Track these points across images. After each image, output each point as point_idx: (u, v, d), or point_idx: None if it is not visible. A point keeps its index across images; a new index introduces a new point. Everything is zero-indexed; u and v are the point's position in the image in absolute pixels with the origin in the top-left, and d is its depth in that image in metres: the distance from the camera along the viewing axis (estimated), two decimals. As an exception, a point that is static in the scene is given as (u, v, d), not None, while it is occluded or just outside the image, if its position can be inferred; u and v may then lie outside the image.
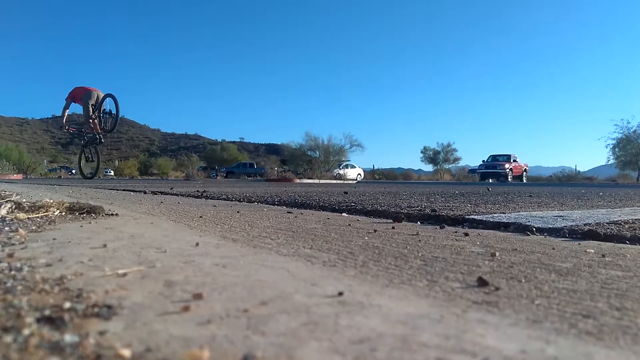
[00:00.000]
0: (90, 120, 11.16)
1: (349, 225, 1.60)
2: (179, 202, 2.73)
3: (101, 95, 11.35)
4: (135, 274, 0.76)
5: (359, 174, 28.27)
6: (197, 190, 4.37)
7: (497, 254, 1.01)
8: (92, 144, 11.63)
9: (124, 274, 0.75)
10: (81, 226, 1.41)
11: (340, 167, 27.83)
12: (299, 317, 0.55)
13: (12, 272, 0.75)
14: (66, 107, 11.61)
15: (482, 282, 0.73)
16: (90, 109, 11.08)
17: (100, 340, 0.46)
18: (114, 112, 11.03)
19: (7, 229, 1.29)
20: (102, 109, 11.13)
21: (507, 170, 22.94)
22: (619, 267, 0.89)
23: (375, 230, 1.43)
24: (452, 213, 1.92)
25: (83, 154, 12.09)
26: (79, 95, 11.44)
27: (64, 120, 11.80)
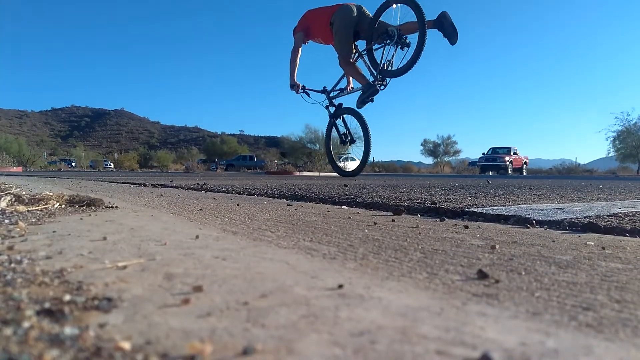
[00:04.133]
0: (352, 61, 5.79)
1: (349, 217, 1.60)
2: (178, 195, 2.73)
3: (367, 11, 5.74)
4: (135, 266, 0.76)
5: (359, 166, 28.24)
6: (197, 183, 4.37)
7: (497, 246, 1.01)
8: (352, 111, 6.24)
9: (124, 267, 0.75)
10: (81, 219, 1.41)
11: (340, 159, 27.79)
12: (298, 309, 0.55)
13: (12, 265, 0.75)
14: (297, 50, 6.11)
15: (482, 275, 0.73)
16: (352, 39, 5.71)
17: (100, 333, 0.46)
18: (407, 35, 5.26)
19: (7, 221, 1.28)
20: (380, 33, 5.51)
21: (507, 162, 22.94)
22: (618, 260, 0.89)
23: (375, 223, 1.43)
24: (452, 206, 1.92)
25: (335, 131, 6.71)
26: (323, 19, 5.86)
27: (295, 75, 6.23)
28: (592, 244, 1.08)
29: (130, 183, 4.45)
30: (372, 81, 5.79)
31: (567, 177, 14.39)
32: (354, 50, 5.84)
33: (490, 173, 22.15)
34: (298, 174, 16.06)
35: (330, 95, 6.63)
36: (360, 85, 5.98)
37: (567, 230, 1.34)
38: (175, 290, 0.62)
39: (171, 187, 3.79)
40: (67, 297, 0.57)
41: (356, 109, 6.19)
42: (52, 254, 0.85)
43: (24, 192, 2.07)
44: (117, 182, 4.61)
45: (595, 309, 0.57)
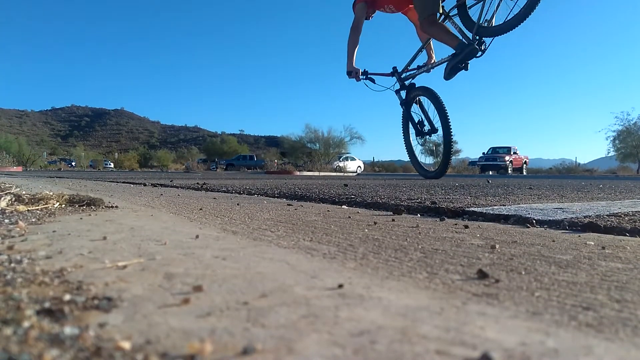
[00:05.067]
0: (438, 23, 4.53)
1: (349, 217, 1.59)
2: (178, 195, 2.73)
3: None
4: (135, 266, 0.76)
5: (359, 166, 28.28)
6: (197, 183, 4.36)
7: (497, 246, 1.01)
8: (426, 90, 4.92)
9: (124, 267, 0.75)
10: (81, 218, 1.41)
11: (340, 159, 27.82)
12: (298, 309, 0.55)
13: (12, 265, 0.75)
14: (358, 28, 4.89)
15: (482, 275, 0.73)
16: None
17: (100, 333, 0.46)
18: None
19: (6, 221, 1.28)
20: None
21: (507, 162, 22.94)
22: (618, 259, 0.89)
23: (375, 223, 1.43)
24: (452, 205, 1.92)
25: (412, 125, 5.35)
26: None
27: (354, 59, 5.00)
28: (592, 243, 1.08)
29: (130, 183, 4.45)
30: (464, 51, 4.36)
31: (567, 176, 14.39)
32: (440, 10, 4.53)
33: (490, 173, 22.14)
34: (298, 173, 16.07)
35: (402, 76, 5.22)
36: (447, 56, 4.60)
37: (567, 229, 1.34)
38: (175, 290, 0.62)
39: (171, 186, 3.79)
40: (67, 297, 0.57)
41: (431, 88, 4.85)
42: (52, 254, 0.85)
43: (24, 192, 2.06)
44: (117, 182, 4.61)
45: (595, 309, 0.57)
